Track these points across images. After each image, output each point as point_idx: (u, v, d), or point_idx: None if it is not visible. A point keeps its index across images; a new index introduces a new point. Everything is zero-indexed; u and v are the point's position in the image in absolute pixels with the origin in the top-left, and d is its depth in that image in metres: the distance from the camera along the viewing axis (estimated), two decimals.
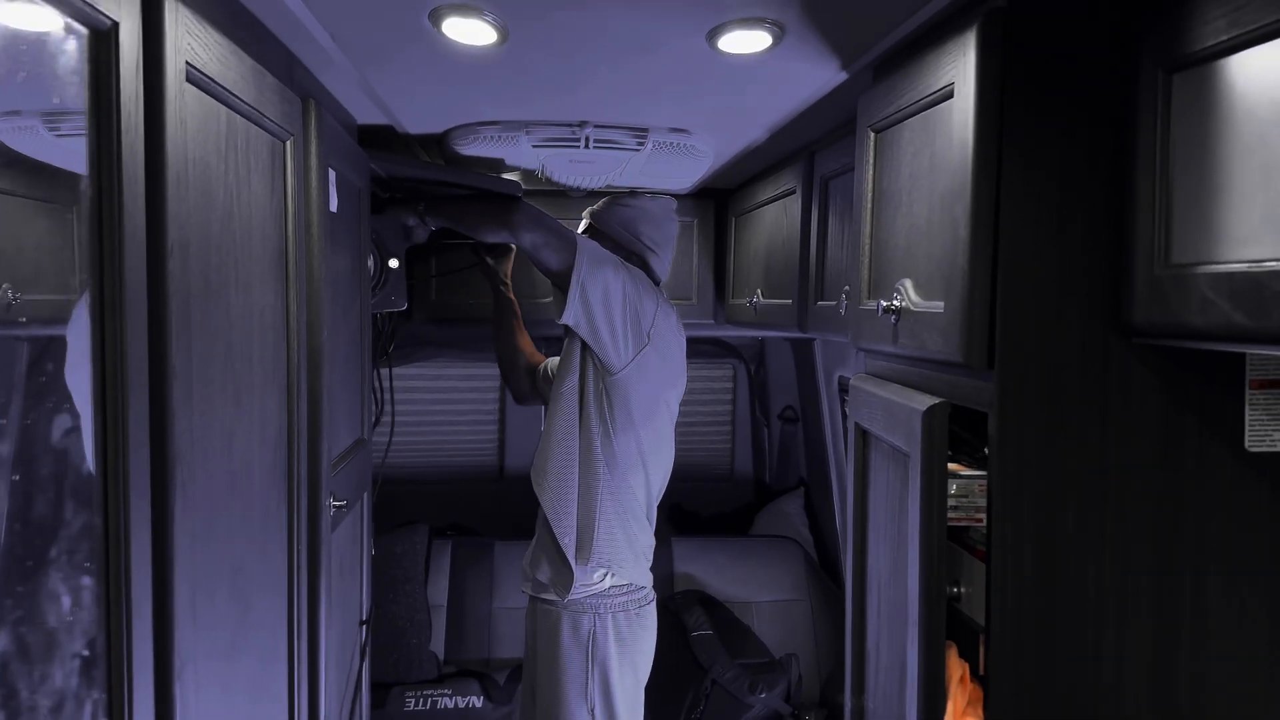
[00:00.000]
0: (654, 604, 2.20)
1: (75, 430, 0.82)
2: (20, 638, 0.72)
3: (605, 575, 2.10)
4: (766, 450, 3.76)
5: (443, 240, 2.47)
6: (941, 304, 1.23)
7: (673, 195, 2.88)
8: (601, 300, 2.03)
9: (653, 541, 2.20)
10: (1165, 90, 1.06)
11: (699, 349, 3.57)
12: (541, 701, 2.13)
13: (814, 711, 2.96)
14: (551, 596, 2.12)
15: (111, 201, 0.86)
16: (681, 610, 3.07)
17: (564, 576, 2.09)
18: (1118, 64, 1.14)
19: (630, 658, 2.13)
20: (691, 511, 3.65)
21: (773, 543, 3.40)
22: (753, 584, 3.25)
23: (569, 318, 2.04)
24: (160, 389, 0.95)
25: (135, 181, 0.89)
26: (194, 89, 1.03)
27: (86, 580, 0.83)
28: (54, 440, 0.79)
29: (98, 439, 0.85)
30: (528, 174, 2.35)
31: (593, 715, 2.08)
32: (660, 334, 2.12)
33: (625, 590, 2.13)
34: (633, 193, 2.39)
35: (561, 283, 2.07)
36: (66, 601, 0.80)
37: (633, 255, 2.23)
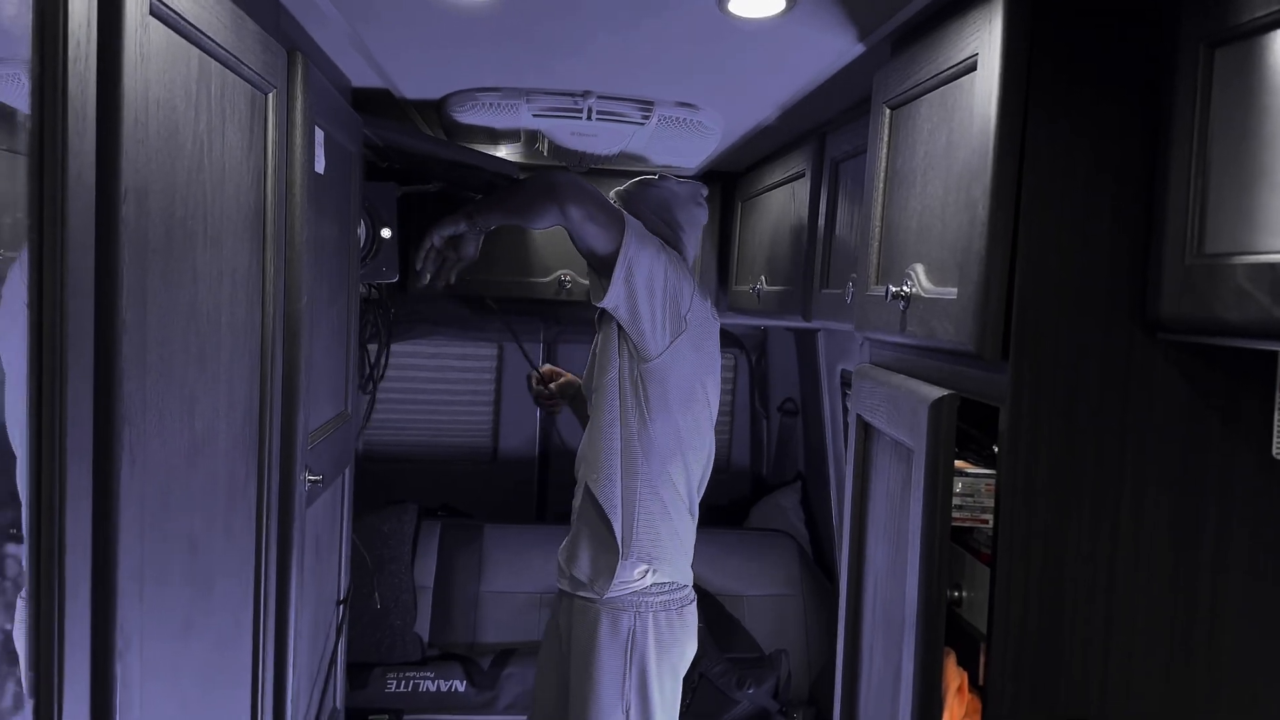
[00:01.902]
0: (695, 604, 2.09)
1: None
2: None
3: (646, 572, 2.00)
4: (765, 442, 3.69)
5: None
6: (955, 290, 1.15)
7: (679, 177, 2.81)
8: (645, 283, 1.91)
9: (694, 534, 2.10)
10: (1206, 66, 0.98)
11: None
12: (575, 701, 2.03)
13: (802, 710, 2.89)
14: (590, 594, 2.02)
15: (55, 138, 0.79)
16: None
17: (606, 571, 1.99)
18: (1153, 37, 1.06)
19: (670, 660, 2.03)
20: None
21: (767, 536, 3.33)
22: (745, 577, 3.18)
23: (611, 301, 1.91)
24: (107, 345, 0.88)
25: (83, 118, 0.82)
26: (159, 24, 0.95)
27: (13, 548, 0.76)
28: None
29: (31, 395, 0.78)
30: (527, 145, 2.27)
31: (627, 717, 1.98)
32: (697, 319, 2.02)
33: (667, 589, 2.02)
34: (660, 175, 2.27)
35: (602, 264, 1.93)
36: None
37: (665, 241, 2.11)
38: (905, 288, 1.28)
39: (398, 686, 2.86)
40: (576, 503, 2.10)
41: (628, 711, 1.98)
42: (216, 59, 1.12)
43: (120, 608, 0.91)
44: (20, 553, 0.78)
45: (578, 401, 2.45)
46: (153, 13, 0.93)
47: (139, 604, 0.97)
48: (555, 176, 1.95)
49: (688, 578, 2.08)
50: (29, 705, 0.80)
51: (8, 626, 0.76)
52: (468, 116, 1.97)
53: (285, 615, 1.47)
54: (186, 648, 1.13)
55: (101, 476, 0.88)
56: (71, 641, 0.83)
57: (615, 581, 1.98)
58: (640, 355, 1.97)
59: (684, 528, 2.06)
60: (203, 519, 1.16)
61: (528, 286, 2.93)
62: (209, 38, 1.08)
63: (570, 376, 2.46)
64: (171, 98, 1.00)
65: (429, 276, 2.03)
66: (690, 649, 2.09)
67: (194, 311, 1.09)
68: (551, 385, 2.41)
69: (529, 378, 2.47)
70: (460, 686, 2.92)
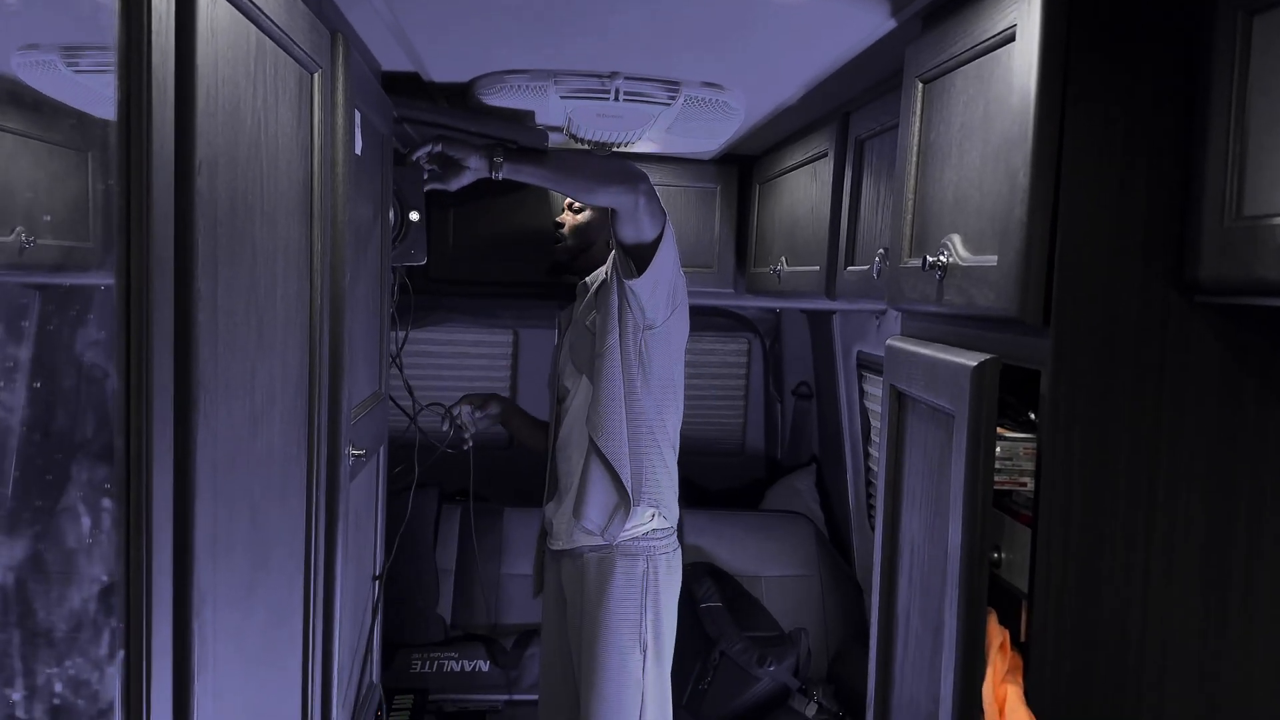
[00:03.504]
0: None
1: (98, 344, 0.77)
2: (38, 555, 0.68)
3: (653, 515, 2.22)
4: (779, 426, 3.72)
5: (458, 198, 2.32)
6: (995, 258, 1.18)
7: (697, 161, 2.84)
8: (669, 266, 2.14)
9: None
10: (1245, 33, 1.01)
11: (713, 322, 3.53)
12: (588, 651, 2.17)
13: (822, 687, 2.93)
14: (599, 542, 2.19)
15: (140, 109, 0.81)
16: (691, 581, 3.03)
17: (619, 517, 2.16)
18: (1192, 4, 1.08)
19: (673, 598, 2.26)
20: (700, 486, 3.61)
21: (783, 518, 3.36)
22: (763, 558, 3.22)
23: (646, 279, 2.10)
24: (184, 313, 0.90)
25: (165, 89, 0.84)
26: (224, 1, 0.98)
27: (107, 503, 0.79)
28: (78, 351, 0.75)
29: (120, 357, 0.81)
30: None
31: (644, 656, 2.16)
32: (683, 289, 2.25)
33: (666, 533, 2.24)
34: None
35: (638, 247, 2.12)
36: (86, 523, 0.76)
37: None
38: (942, 258, 1.30)
39: (423, 666, 2.90)
40: (572, 465, 2.25)
41: (644, 651, 2.16)
42: (271, 37, 1.15)
43: (197, 566, 0.94)
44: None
45: (516, 420, 2.58)
46: None
47: (212, 567, 0.99)
48: (632, 165, 2.14)
49: (677, 518, 2.31)
50: (120, 656, 0.83)
51: (105, 578, 0.79)
52: (496, 99, 1.99)
53: (332, 588, 1.50)
54: (249, 616, 1.16)
55: (181, 440, 0.91)
56: (157, 596, 0.86)
57: (628, 525, 2.17)
58: (645, 323, 2.17)
59: (675, 470, 2.29)
60: (261, 489, 1.19)
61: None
62: (266, 16, 1.10)
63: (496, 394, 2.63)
64: (235, 74, 1.03)
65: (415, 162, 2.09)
66: (679, 587, 2.32)
67: (253, 284, 1.12)
68: (478, 414, 2.51)
69: (448, 414, 2.50)
70: (484, 666, 2.96)
